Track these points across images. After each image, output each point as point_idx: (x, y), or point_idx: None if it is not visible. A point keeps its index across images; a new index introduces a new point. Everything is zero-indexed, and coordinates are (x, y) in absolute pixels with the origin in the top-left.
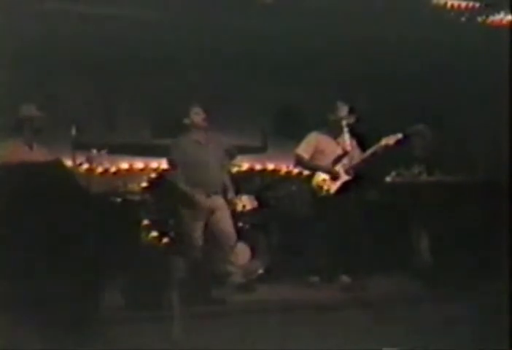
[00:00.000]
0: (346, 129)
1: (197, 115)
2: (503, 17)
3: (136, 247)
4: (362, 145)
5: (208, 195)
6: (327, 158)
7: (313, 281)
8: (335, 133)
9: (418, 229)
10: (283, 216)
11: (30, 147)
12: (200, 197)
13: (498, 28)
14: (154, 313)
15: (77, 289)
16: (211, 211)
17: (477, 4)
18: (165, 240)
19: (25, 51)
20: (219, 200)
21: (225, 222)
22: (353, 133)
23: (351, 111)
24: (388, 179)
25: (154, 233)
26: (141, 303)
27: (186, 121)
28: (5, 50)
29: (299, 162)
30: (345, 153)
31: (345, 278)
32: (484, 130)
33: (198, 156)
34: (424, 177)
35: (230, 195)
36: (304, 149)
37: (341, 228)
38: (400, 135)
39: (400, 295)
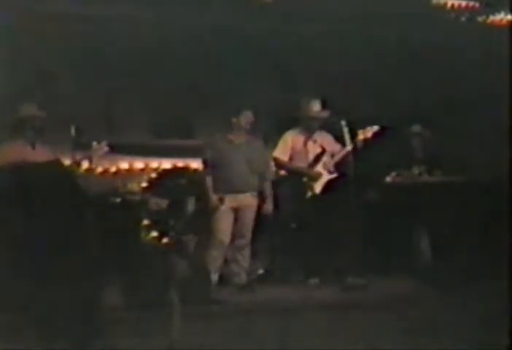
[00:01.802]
0: (345, 125)
1: (245, 117)
2: (503, 17)
3: (136, 247)
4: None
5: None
6: (307, 158)
7: (312, 283)
8: (311, 131)
9: (418, 229)
10: (283, 216)
11: (33, 147)
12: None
13: (498, 28)
14: (154, 313)
15: (77, 289)
16: (236, 210)
17: (477, 4)
18: (165, 240)
19: (25, 51)
20: (246, 200)
21: (245, 222)
22: (329, 129)
23: (323, 106)
24: (388, 179)
25: (154, 233)
26: (141, 303)
27: (233, 120)
28: (5, 50)
29: (278, 165)
30: (323, 151)
31: (345, 279)
32: (484, 130)
33: (225, 153)
34: (424, 177)
35: (268, 207)
36: (281, 152)
37: (341, 228)
38: (376, 128)
39: (400, 295)
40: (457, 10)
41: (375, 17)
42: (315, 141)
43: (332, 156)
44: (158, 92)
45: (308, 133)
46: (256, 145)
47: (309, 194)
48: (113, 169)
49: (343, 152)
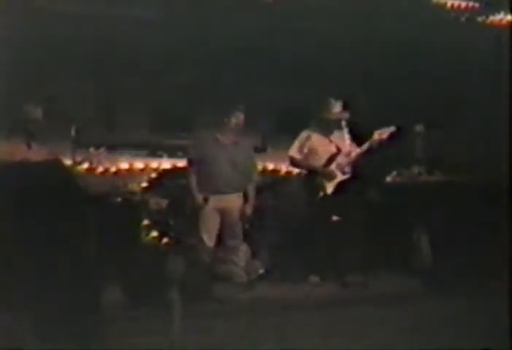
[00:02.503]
0: (345, 126)
1: (235, 118)
2: (503, 17)
3: (136, 247)
4: (360, 144)
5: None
6: (321, 157)
7: (313, 281)
8: (328, 131)
9: (418, 229)
10: (283, 216)
11: (29, 146)
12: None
13: (498, 28)
14: (155, 312)
15: (77, 289)
16: (222, 211)
17: (477, 4)
18: (165, 240)
19: (25, 51)
20: (231, 201)
21: (232, 223)
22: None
23: (344, 107)
24: (388, 179)
25: (154, 233)
26: (141, 303)
27: (225, 120)
28: (5, 50)
29: (293, 163)
30: (339, 151)
31: (345, 277)
32: (484, 130)
33: (211, 153)
34: (424, 177)
35: (247, 209)
36: (297, 150)
37: (341, 228)
38: (392, 128)
39: (400, 295)
40: (457, 10)
41: (376, 17)
42: (331, 141)
43: (347, 156)
44: (159, 92)
45: (325, 132)
46: (243, 146)
47: (321, 194)
48: (113, 169)
49: (357, 152)
